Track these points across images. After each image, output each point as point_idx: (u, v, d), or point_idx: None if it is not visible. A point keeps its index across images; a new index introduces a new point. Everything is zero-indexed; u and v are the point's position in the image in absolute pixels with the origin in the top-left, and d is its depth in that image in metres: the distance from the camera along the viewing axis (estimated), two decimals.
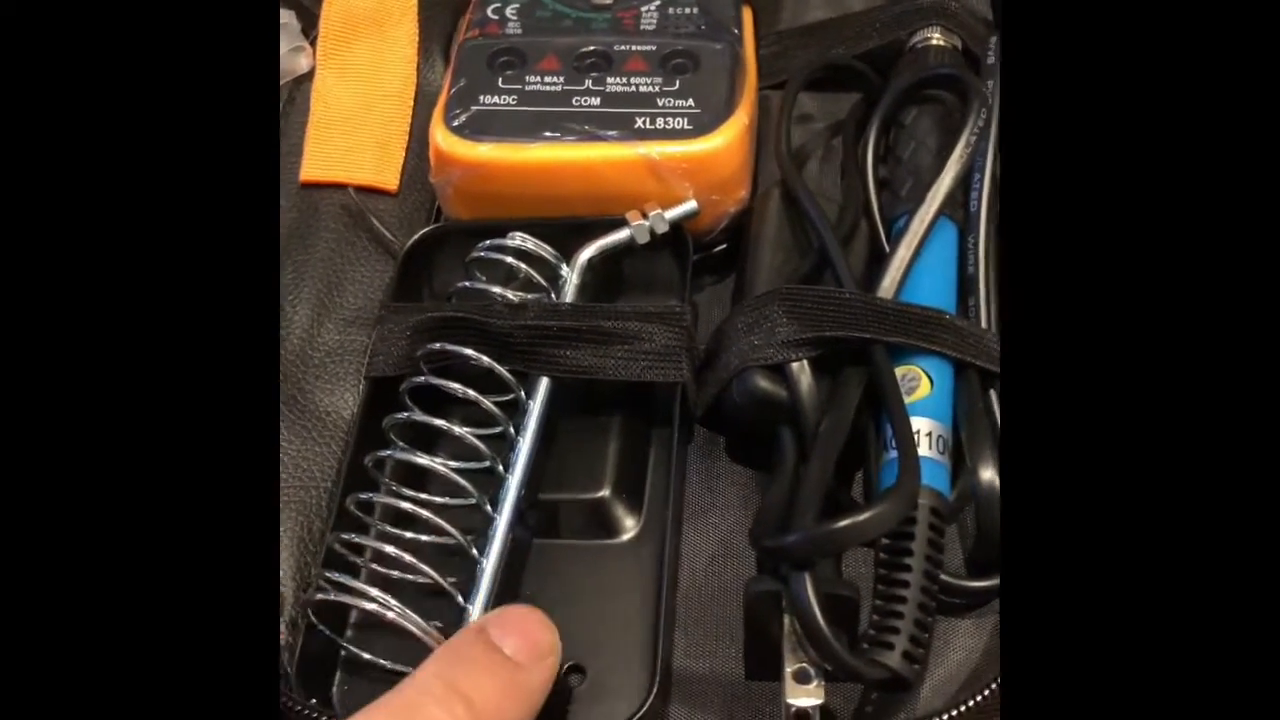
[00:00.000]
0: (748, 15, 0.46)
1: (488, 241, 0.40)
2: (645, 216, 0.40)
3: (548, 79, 0.42)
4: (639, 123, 0.41)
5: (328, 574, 0.34)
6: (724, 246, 0.43)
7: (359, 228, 0.45)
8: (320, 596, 0.34)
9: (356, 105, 0.48)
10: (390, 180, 0.46)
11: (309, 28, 0.49)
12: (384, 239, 0.44)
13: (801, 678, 0.31)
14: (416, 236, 0.42)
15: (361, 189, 0.45)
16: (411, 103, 0.48)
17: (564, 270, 0.40)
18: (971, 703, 0.32)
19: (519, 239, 0.39)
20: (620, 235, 0.40)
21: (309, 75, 0.48)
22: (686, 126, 0.41)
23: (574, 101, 0.42)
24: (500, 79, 0.42)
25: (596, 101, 0.42)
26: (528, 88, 0.42)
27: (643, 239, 0.40)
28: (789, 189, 0.41)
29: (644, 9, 0.45)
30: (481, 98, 0.42)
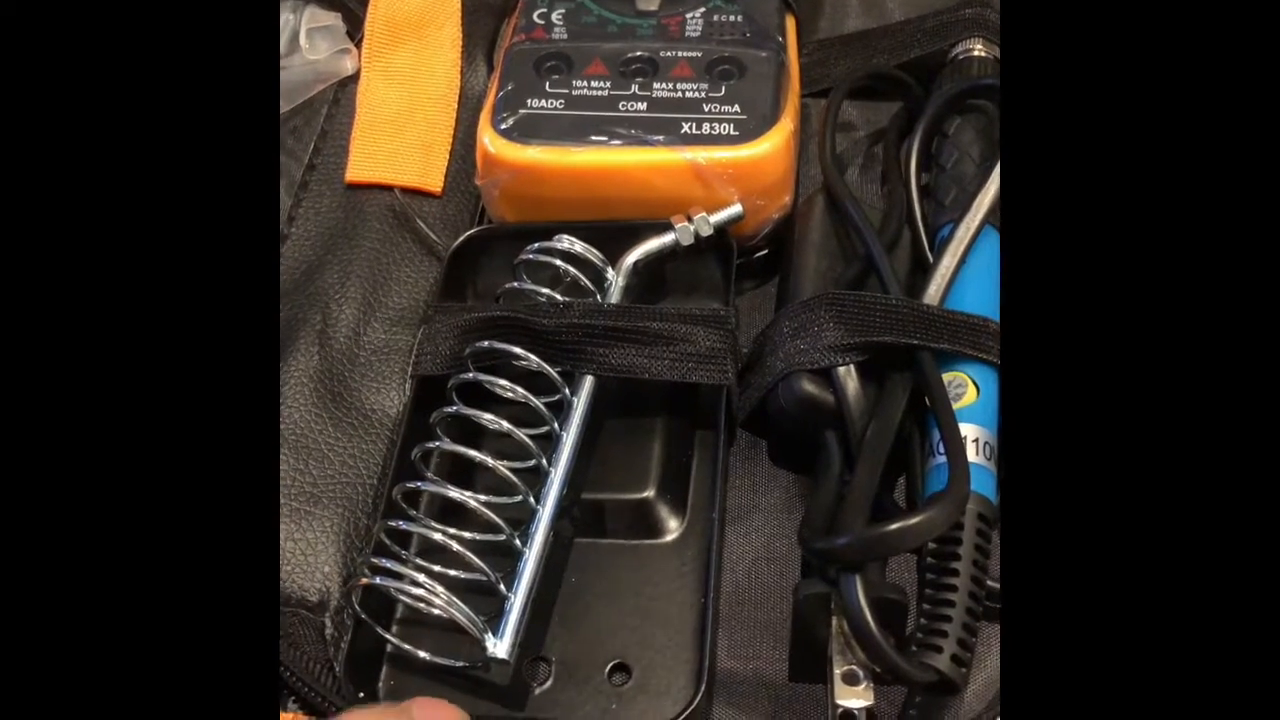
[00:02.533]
0: (791, 23, 0.46)
1: (535, 244, 0.40)
2: (690, 220, 0.41)
3: (594, 84, 0.43)
4: (685, 128, 0.41)
5: (372, 560, 0.34)
6: (766, 252, 0.44)
7: (404, 228, 0.45)
8: (365, 581, 0.34)
9: (401, 108, 0.48)
10: (435, 182, 0.46)
11: (354, 30, 0.50)
12: (428, 240, 0.44)
13: (850, 679, 0.32)
14: (463, 238, 0.42)
15: (406, 190, 0.46)
16: (455, 106, 0.48)
17: (610, 273, 0.40)
18: None
19: (566, 241, 0.40)
20: (665, 239, 0.41)
21: (354, 77, 0.49)
22: (732, 132, 0.41)
23: (620, 106, 0.42)
24: (547, 83, 0.43)
25: (643, 106, 0.42)
26: (574, 92, 0.43)
27: (687, 242, 0.40)
28: (833, 195, 0.42)
29: (689, 16, 0.45)
30: (529, 101, 0.42)
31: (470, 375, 0.37)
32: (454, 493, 0.35)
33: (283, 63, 0.48)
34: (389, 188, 0.46)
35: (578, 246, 0.40)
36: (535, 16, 0.46)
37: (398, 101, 0.48)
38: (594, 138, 0.41)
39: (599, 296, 0.40)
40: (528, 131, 0.41)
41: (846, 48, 0.49)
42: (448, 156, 0.47)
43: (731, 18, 0.45)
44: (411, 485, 0.36)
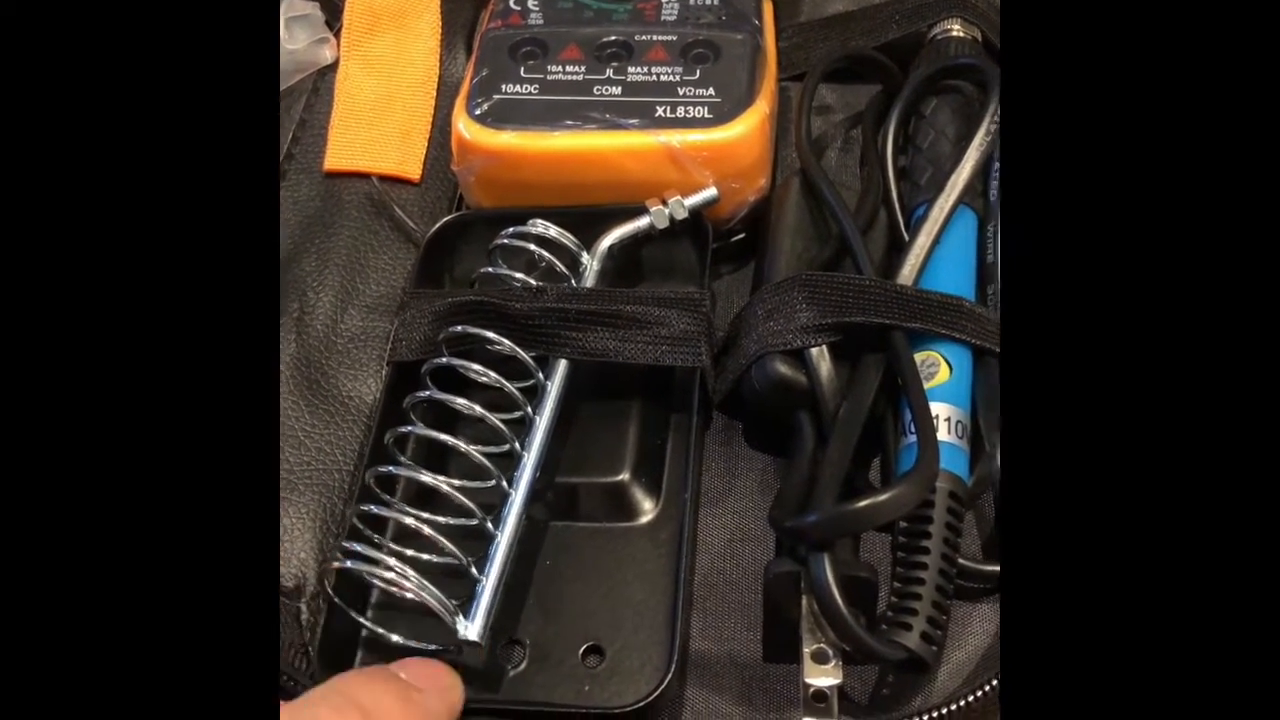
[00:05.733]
0: (768, 6, 0.46)
1: (510, 229, 0.40)
2: (665, 204, 0.41)
3: (569, 68, 0.43)
4: (660, 111, 0.41)
5: (345, 544, 0.34)
6: (742, 236, 0.43)
7: (382, 216, 0.45)
8: (338, 565, 0.34)
9: (380, 96, 0.48)
10: (413, 170, 0.46)
11: (333, 19, 0.50)
12: (406, 227, 0.44)
13: (820, 658, 0.32)
14: (439, 224, 0.42)
15: (384, 178, 0.46)
16: (434, 93, 0.48)
17: (584, 257, 0.40)
18: (989, 686, 0.33)
19: (540, 226, 0.40)
20: (640, 222, 0.41)
21: (333, 66, 0.49)
22: (707, 115, 0.41)
23: (595, 90, 0.42)
24: (522, 69, 0.43)
25: (618, 91, 0.42)
26: (549, 77, 0.43)
27: (662, 225, 0.40)
28: (809, 178, 0.42)
29: (665, 0, 0.45)
30: (504, 87, 0.42)
31: (444, 360, 0.37)
32: (426, 477, 0.35)
33: None
34: (367, 176, 0.46)
35: (552, 231, 0.40)
36: (511, 2, 0.46)
37: (376, 90, 0.48)
38: (568, 123, 0.41)
39: (574, 281, 0.40)
40: (502, 117, 0.41)
41: (826, 30, 0.49)
42: (426, 144, 0.47)
43: (707, 1, 0.45)
44: (384, 470, 0.36)
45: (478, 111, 0.42)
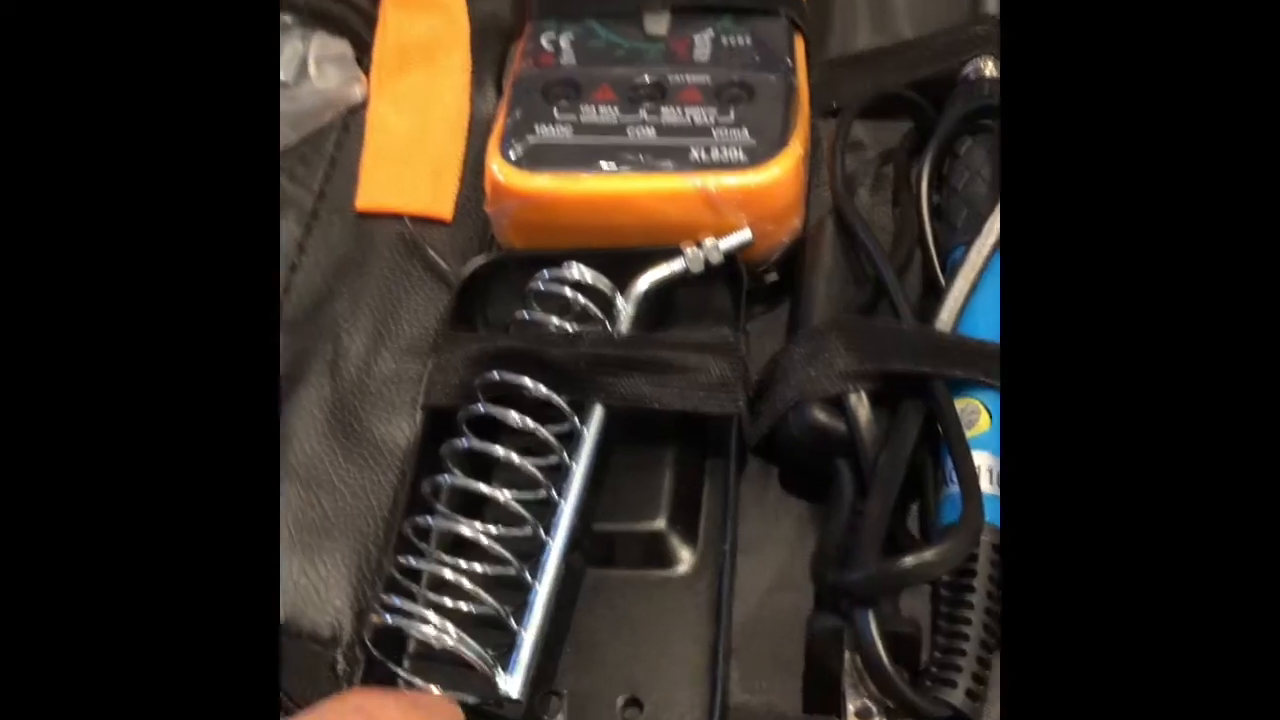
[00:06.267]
0: (800, 44, 0.46)
1: (545, 272, 0.40)
2: (700, 246, 0.40)
3: (603, 109, 0.43)
4: (694, 154, 0.41)
5: (384, 598, 0.34)
6: (776, 277, 0.43)
7: (414, 257, 0.45)
8: (377, 620, 0.34)
9: (411, 134, 0.48)
10: (445, 209, 0.46)
11: (363, 56, 0.50)
12: (439, 268, 0.44)
13: (864, 715, 0.31)
14: (472, 266, 0.42)
15: (416, 218, 0.46)
16: (465, 131, 0.48)
17: (619, 301, 0.40)
18: None
19: (575, 270, 0.39)
20: (675, 266, 0.40)
21: (363, 104, 0.49)
22: (741, 158, 0.41)
23: (629, 132, 0.42)
24: (555, 110, 0.43)
25: (651, 132, 0.42)
26: (583, 118, 0.42)
27: (697, 269, 0.40)
28: (843, 218, 0.42)
29: (697, 38, 0.45)
30: (537, 128, 0.42)
31: (480, 409, 0.37)
32: (465, 529, 0.34)
33: (291, 92, 0.48)
34: (399, 216, 0.46)
35: (587, 275, 0.39)
36: (543, 42, 0.45)
37: (407, 128, 0.48)
38: (603, 165, 0.41)
39: (608, 324, 0.40)
40: (536, 159, 0.41)
41: (856, 67, 0.49)
42: (458, 182, 0.47)
43: (740, 40, 0.45)
44: (421, 520, 0.35)
45: (512, 154, 0.41)
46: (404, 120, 0.48)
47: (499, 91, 0.50)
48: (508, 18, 0.52)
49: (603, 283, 0.40)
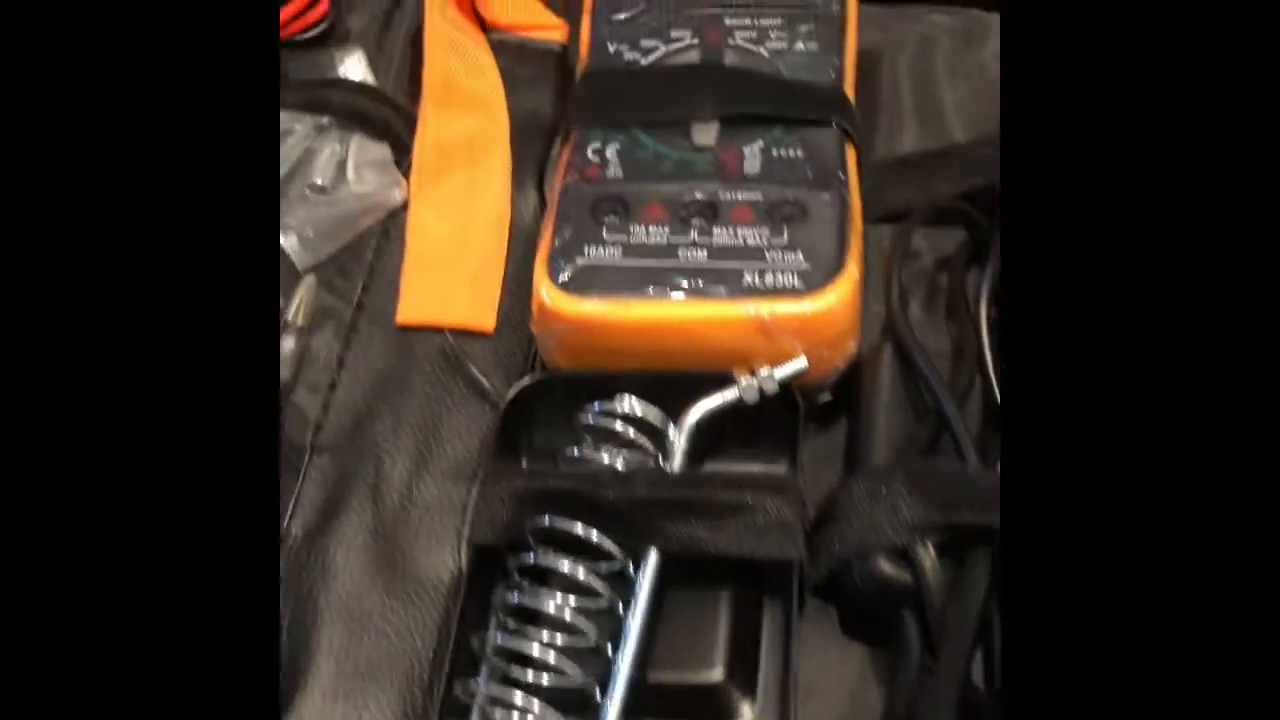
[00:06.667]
0: (852, 156, 0.45)
1: (596, 405, 0.39)
2: (754, 375, 0.39)
3: (653, 230, 0.41)
4: (747, 278, 0.40)
5: None
6: (830, 397, 0.42)
7: (456, 373, 0.44)
8: None
9: (451, 239, 0.47)
10: (486, 320, 0.45)
11: (401, 158, 0.49)
12: (481, 386, 0.43)
13: None
14: (515, 389, 0.41)
15: (458, 331, 0.45)
16: (506, 234, 0.47)
17: (671, 431, 0.39)
18: None
19: (626, 403, 0.38)
20: (728, 395, 0.39)
21: (403, 208, 0.48)
22: (796, 284, 0.40)
23: (680, 254, 0.41)
24: (604, 230, 0.41)
25: (703, 255, 0.41)
26: (632, 239, 0.41)
27: (751, 399, 0.39)
28: (901, 345, 0.40)
29: (747, 150, 0.44)
30: (586, 249, 0.41)
31: (530, 560, 0.36)
32: (519, 698, 0.33)
33: (330, 196, 0.47)
34: (440, 329, 0.45)
35: (638, 409, 0.38)
36: (589, 153, 0.44)
37: (447, 234, 0.47)
38: (653, 290, 0.40)
39: (660, 455, 0.38)
40: (585, 283, 0.40)
41: (905, 172, 0.48)
42: (499, 290, 0.46)
43: (791, 152, 0.44)
44: (472, 684, 0.34)
45: (561, 277, 0.40)
46: (445, 225, 0.47)
47: (540, 193, 0.49)
48: (548, 115, 0.51)
49: (654, 414, 0.38)
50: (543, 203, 0.48)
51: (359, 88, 0.50)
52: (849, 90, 0.46)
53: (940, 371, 0.40)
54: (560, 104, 0.50)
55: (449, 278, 0.46)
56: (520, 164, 0.49)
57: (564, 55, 0.53)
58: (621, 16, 0.48)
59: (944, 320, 0.44)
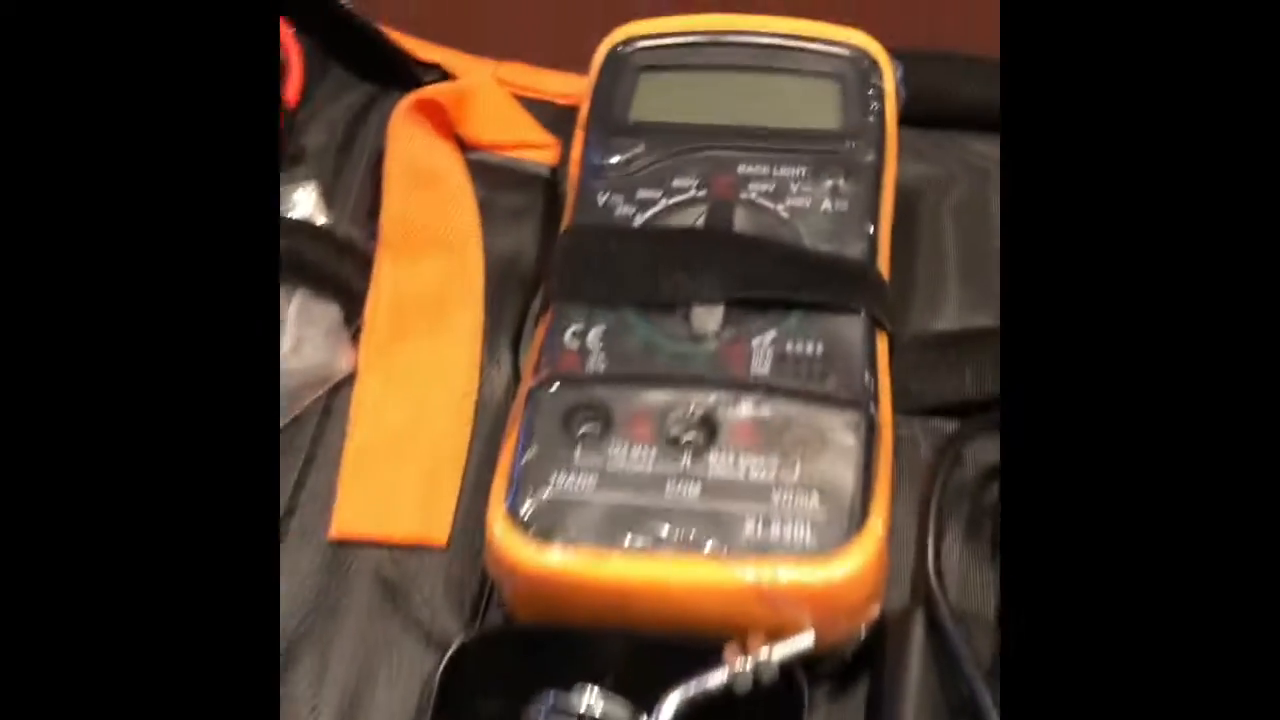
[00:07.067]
0: (883, 347, 0.37)
1: (549, 700, 0.31)
2: (747, 654, 0.32)
3: (635, 453, 0.34)
4: (748, 528, 0.32)
5: None
6: (847, 661, 0.35)
7: (396, 608, 0.36)
8: None
9: (404, 426, 0.39)
10: (438, 533, 0.38)
11: (352, 317, 0.41)
12: (424, 625, 0.36)
13: None
14: (455, 647, 0.33)
15: (402, 547, 0.37)
16: (471, 417, 0.40)
17: None
18: None
19: (586, 699, 0.31)
20: (716, 678, 0.32)
21: (349, 380, 0.40)
22: (807, 539, 0.32)
23: (668, 490, 0.33)
24: (579, 450, 0.34)
25: (695, 491, 0.33)
26: (610, 465, 0.34)
27: (743, 687, 0.32)
28: (935, 619, 0.33)
29: (756, 343, 0.36)
30: (554, 477, 0.34)
31: None
32: None
33: None
34: (381, 545, 0.37)
35: (599, 707, 0.31)
36: (567, 337, 0.37)
37: (400, 418, 0.40)
38: (632, 539, 0.32)
39: None
40: (550, 523, 0.33)
41: (948, 355, 0.40)
42: (457, 490, 0.39)
43: (809, 347, 0.36)
44: None
45: (522, 511, 0.33)
46: (396, 407, 0.40)
47: (515, 361, 0.41)
48: (533, 258, 0.44)
49: (619, 713, 0.31)
50: (517, 376, 0.41)
51: (303, 229, 0.42)
52: (883, 264, 0.39)
53: (983, 647, 0.32)
54: (547, 244, 0.43)
55: (396, 477, 0.38)
56: (496, 322, 0.42)
57: (554, 181, 0.46)
58: (615, 160, 0.41)
59: (990, 556, 0.37)
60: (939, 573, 0.34)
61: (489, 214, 0.44)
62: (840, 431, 0.34)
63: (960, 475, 0.38)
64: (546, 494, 0.33)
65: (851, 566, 0.32)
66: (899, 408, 0.38)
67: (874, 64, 0.42)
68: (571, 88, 0.46)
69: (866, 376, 0.36)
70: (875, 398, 0.35)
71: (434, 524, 0.38)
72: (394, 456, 0.39)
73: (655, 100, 0.42)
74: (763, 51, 0.43)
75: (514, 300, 0.42)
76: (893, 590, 0.34)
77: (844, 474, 0.33)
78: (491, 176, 0.46)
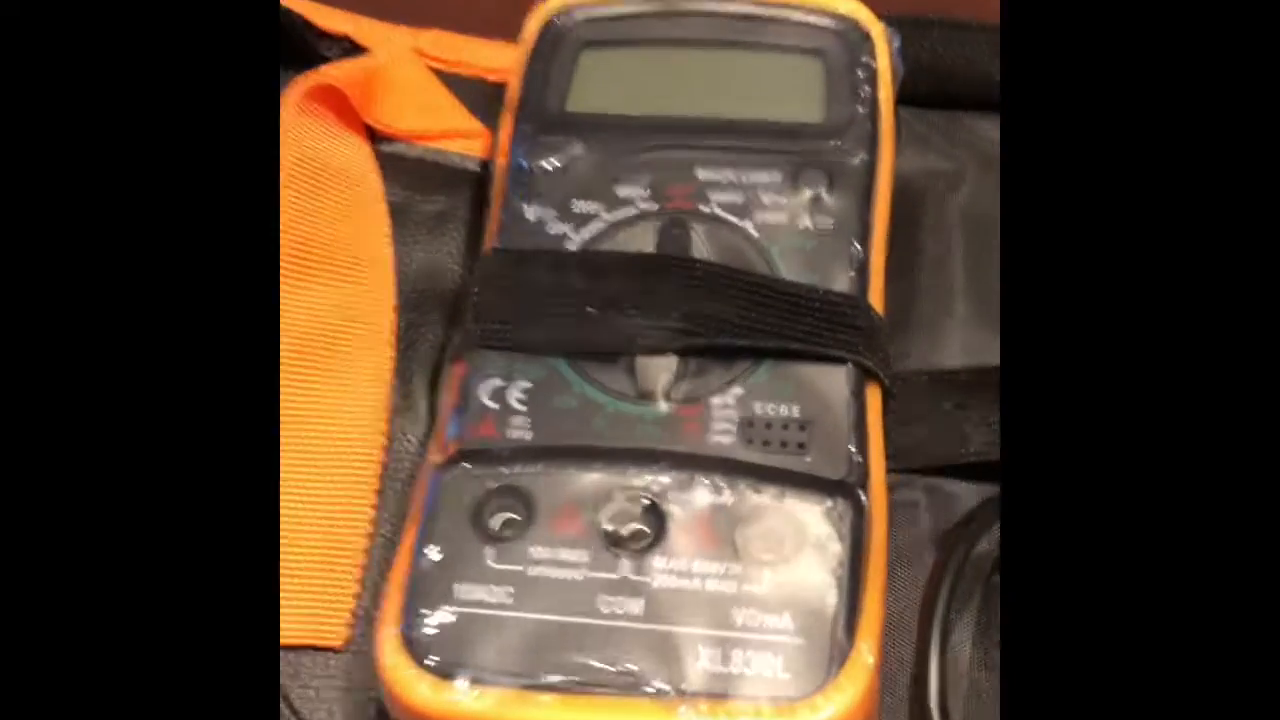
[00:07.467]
0: (874, 410, 0.30)
1: None
2: None
3: (564, 556, 0.27)
4: (703, 661, 0.26)
5: None
6: None
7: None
8: None
9: (293, 489, 0.32)
10: (333, 633, 0.31)
11: None
12: None
13: None
14: None
15: (291, 648, 0.31)
16: (374, 485, 0.33)
17: None
18: None
19: None
20: None
21: None
22: (779, 674, 0.25)
23: (602, 605, 0.26)
24: (493, 551, 0.27)
25: (637, 608, 0.26)
26: (531, 570, 0.27)
27: None
28: None
29: (716, 403, 0.29)
30: (458, 586, 0.27)
31: None
32: None
33: None
34: None
35: None
36: (485, 396, 0.30)
37: (290, 476, 0.32)
38: (553, 678, 0.26)
39: None
40: (455, 653, 0.26)
41: (954, 404, 0.33)
42: (356, 582, 0.32)
43: (781, 409, 0.29)
44: None
45: (418, 634, 0.26)
46: (287, 463, 0.33)
47: (431, 406, 0.34)
48: (455, 274, 0.36)
49: None
50: (433, 418, 0.34)
51: None
52: (875, 296, 0.31)
53: None
54: (475, 256, 0.36)
55: (284, 558, 0.31)
56: (410, 358, 0.35)
57: (484, 177, 0.38)
58: (547, 164, 0.33)
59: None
60: (944, 708, 0.27)
61: (404, 220, 0.37)
62: (821, 525, 0.27)
63: (973, 552, 0.32)
64: (449, 612, 0.27)
65: (834, 711, 0.25)
66: (896, 465, 0.31)
67: (865, 37, 0.35)
68: (506, 60, 0.38)
69: (854, 448, 0.29)
70: (865, 476, 0.28)
71: (327, 621, 0.31)
72: (283, 537, 0.32)
73: (598, 86, 0.35)
74: (730, 23, 0.35)
75: (433, 328, 0.35)
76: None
77: (825, 585, 0.26)
78: (408, 173, 0.38)
